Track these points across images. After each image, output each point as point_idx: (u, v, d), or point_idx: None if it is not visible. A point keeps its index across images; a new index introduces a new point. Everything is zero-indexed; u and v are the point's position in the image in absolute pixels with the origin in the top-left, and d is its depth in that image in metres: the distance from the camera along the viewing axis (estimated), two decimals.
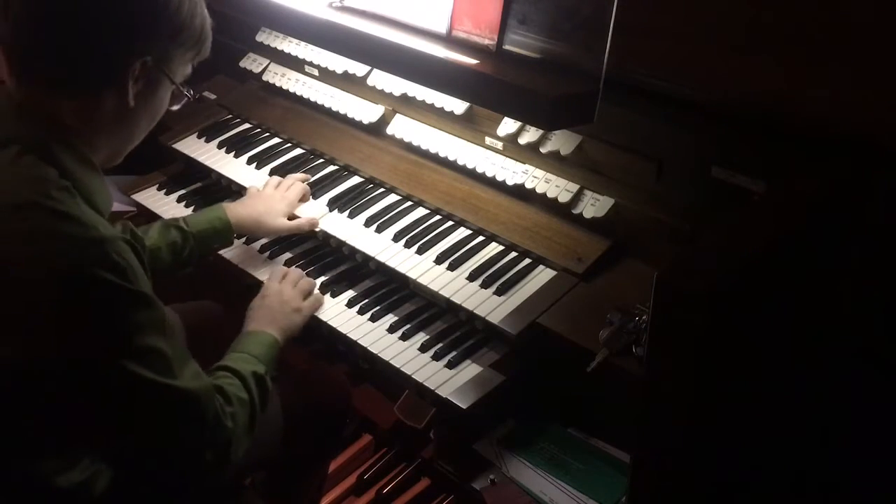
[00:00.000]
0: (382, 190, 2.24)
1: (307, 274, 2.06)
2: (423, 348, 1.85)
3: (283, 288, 1.94)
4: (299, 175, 2.29)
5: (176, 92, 1.56)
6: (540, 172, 2.00)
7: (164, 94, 1.53)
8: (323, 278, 2.07)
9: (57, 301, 1.32)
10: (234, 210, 2.11)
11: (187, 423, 1.46)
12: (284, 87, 2.56)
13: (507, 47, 1.77)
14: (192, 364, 1.49)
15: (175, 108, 1.60)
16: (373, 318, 1.94)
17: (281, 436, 1.87)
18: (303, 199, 2.22)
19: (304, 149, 2.45)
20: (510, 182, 2.04)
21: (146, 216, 2.45)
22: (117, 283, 1.34)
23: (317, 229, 2.14)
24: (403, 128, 2.27)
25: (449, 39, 1.84)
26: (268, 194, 2.18)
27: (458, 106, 2.09)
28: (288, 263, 2.13)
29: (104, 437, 1.50)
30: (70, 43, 1.38)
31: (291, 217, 2.16)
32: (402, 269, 1.98)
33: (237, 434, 1.53)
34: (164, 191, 2.47)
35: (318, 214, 2.17)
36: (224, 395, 1.55)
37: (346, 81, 2.40)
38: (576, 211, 1.93)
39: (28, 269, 1.32)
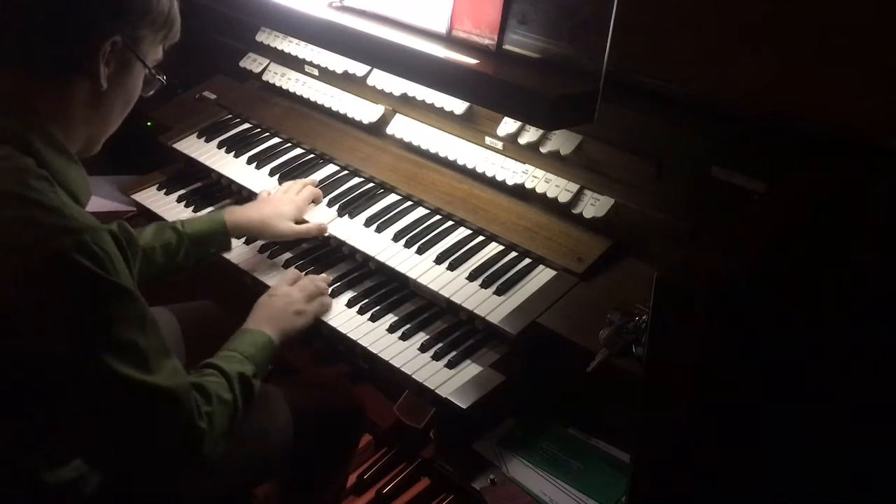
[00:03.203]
0: (382, 190, 2.24)
1: (307, 274, 2.06)
2: (423, 348, 1.85)
3: (291, 290, 1.93)
4: (310, 179, 2.28)
5: (148, 76, 1.54)
6: (540, 172, 2.00)
7: (137, 77, 1.52)
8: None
9: (34, 289, 1.31)
10: (239, 212, 2.11)
11: (160, 421, 1.44)
12: (284, 87, 2.56)
13: (507, 47, 1.77)
14: (171, 361, 1.46)
15: (148, 93, 1.58)
16: (373, 318, 1.94)
17: (291, 444, 1.85)
18: (315, 201, 2.22)
19: (304, 149, 2.45)
20: (510, 182, 2.04)
21: (146, 216, 2.46)
22: (95, 271, 1.32)
23: (325, 234, 2.14)
24: (403, 128, 2.27)
25: (449, 39, 1.84)
26: (276, 198, 2.17)
27: (458, 106, 2.09)
28: (288, 263, 2.13)
29: (86, 434, 1.49)
30: (36, 26, 1.38)
31: (300, 222, 2.15)
32: (402, 268, 1.98)
33: (212, 434, 1.50)
34: (164, 191, 2.47)
35: (327, 219, 2.16)
36: (204, 393, 1.53)
37: (346, 81, 2.40)
38: (576, 211, 1.93)
39: (6, 258, 1.31)
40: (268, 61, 2.65)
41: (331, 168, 2.36)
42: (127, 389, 1.39)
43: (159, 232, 1.99)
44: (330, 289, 2.02)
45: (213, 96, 2.75)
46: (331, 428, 1.95)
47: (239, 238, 2.16)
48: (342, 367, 2.43)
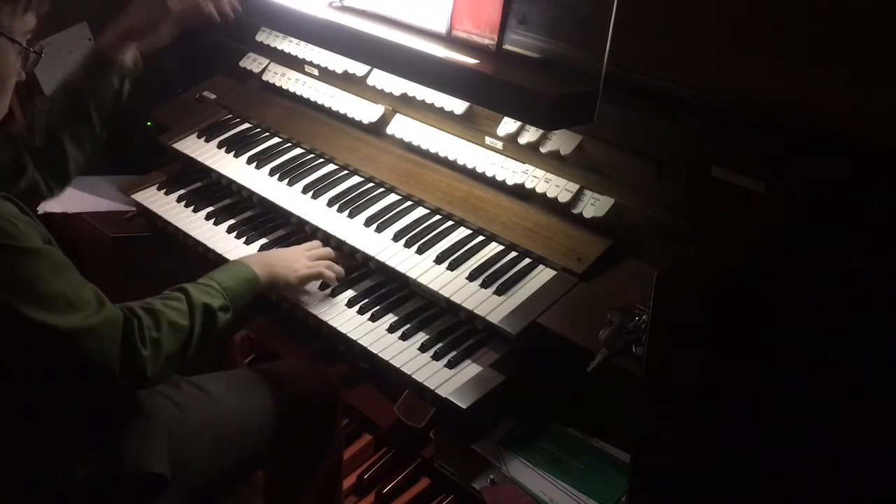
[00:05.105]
0: (382, 190, 2.24)
1: None
2: (423, 348, 1.85)
3: (297, 249, 1.99)
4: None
5: (20, 49, 1.49)
6: (540, 172, 2.00)
7: (5, 53, 1.47)
8: None
9: None
10: None
11: (97, 352, 1.46)
12: (284, 87, 2.56)
13: (507, 47, 1.77)
14: (90, 289, 1.48)
15: (31, 69, 1.54)
16: (373, 318, 1.94)
17: (273, 429, 1.86)
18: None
19: (304, 149, 2.45)
20: (510, 182, 2.04)
21: (146, 216, 2.46)
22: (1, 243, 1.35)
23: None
24: (403, 127, 2.27)
25: (449, 39, 1.84)
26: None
27: (458, 106, 2.09)
28: None
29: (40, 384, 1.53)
30: None
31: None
32: (401, 268, 1.98)
33: (157, 358, 1.52)
34: (164, 191, 2.47)
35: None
36: (156, 318, 1.55)
37: (346, 81, 2.40)
38: (576, 211, 1.93)
39: None
40: (268, 61, 2.65)
41: (330, 168, 2.36)
42: (61, 335, 1.41)
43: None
44: (328, 287, 2.02)
45: (213, 96, 2.75)
46: (309, 411, 1.95)
47: None
48: (342, 366, 2.43)
